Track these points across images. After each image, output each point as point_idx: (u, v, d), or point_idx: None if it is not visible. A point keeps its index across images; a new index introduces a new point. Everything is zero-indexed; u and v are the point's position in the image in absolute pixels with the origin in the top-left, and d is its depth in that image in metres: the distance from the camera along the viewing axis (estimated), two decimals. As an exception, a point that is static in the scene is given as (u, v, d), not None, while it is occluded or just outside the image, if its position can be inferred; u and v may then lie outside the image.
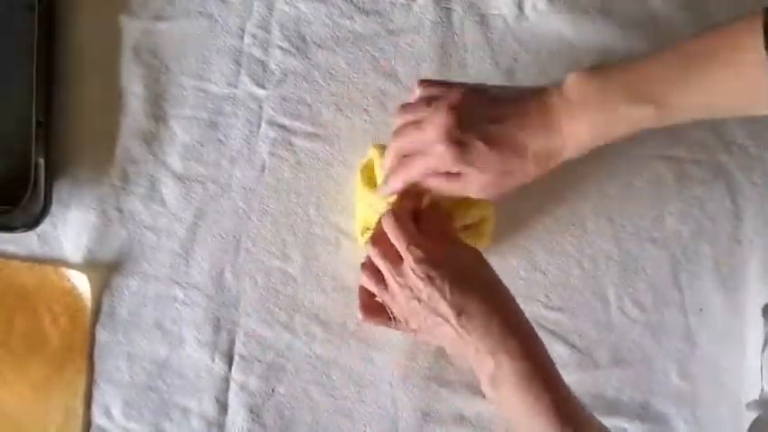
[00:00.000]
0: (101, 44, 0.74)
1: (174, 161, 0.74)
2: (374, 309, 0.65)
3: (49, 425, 0.73)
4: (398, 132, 0.64)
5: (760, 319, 0.71)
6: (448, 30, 0.74)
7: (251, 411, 0.73)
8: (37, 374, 0.73)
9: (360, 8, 0.74)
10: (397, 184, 0.64)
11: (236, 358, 0.73)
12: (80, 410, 0.73)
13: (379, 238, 0.63)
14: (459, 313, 0.59)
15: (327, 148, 0.74)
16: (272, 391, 0.73)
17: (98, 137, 0.74)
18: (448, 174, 0.62)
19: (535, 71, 0.73)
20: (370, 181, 0.69)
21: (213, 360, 0.73)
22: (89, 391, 0.73)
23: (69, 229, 0.74)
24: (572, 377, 0.72)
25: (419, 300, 0.60)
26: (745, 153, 0.73)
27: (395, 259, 0.62)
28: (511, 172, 0.61)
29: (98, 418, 0.73)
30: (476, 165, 0.60)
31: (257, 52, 0.74)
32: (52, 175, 0.72)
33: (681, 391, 0.72)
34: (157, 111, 0.74)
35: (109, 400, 0.73)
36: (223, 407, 0.73)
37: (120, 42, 0.74)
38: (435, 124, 0.60)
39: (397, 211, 0.63)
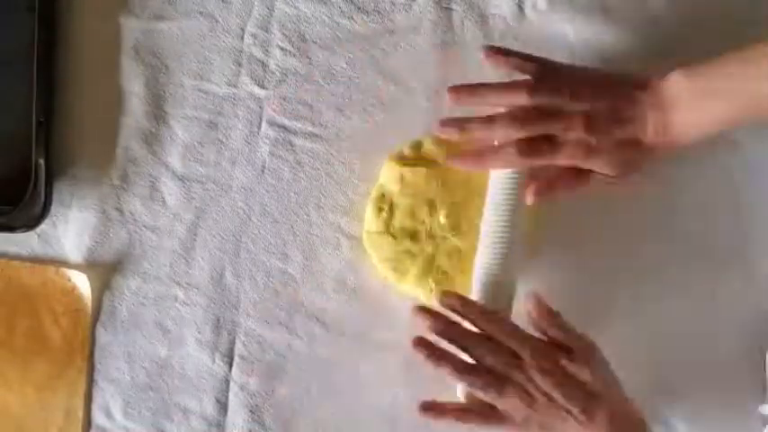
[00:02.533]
0: (101, 44, 0.74)
1: (174, 161, 0.74)
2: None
3: (49, 425, 0.73)
4: (536, 150, 0.65)
5: (761, 320, 0.71)
6: (448, 30, 0.74)
7: (251, 411, 0.73)
8: (38, 374, 0.73)
9: (360, 8, 0.74)
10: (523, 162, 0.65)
11: (237, 358, 0.73)
12: (80, 410, 0.73)
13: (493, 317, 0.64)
14: (592, 412, 0.60)
15: (327, 148, 0.74)
16: (272, 391, 0.73)
17: (98, 137, 0.74)
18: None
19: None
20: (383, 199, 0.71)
21: (213, 360, 0.73)
22: (89, 391, 0.73)
23: (70, 229, 0.74)
24: (572, 377, 0.72)
25: (548, 396, 0.60)
26: (745, 153, 0.73)
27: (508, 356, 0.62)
28: (629, 163, 0.65)
29: (98, 418, 0.74)
30: (603, 167, 0.65)
31: (257, 52, 0.74)
32: (52, 175, 0.72)
33: (681, 390, 0.72)
34: (157, 111, 0.74)
35: (109, 400, 0.74)
36: (223, 407, 0.73)
37: (120, 42, 0.74)
38: (573, 141, 0.64)
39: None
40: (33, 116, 0.70)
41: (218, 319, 0.73)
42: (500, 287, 0.67)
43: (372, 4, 0.74)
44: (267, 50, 0.74)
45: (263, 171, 0.74)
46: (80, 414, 0.73)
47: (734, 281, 0.72)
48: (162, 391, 0.74)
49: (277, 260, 0.73)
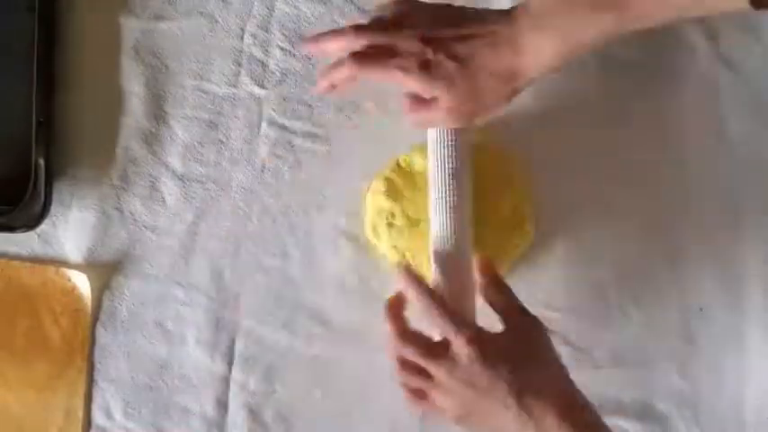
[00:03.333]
0: (101, 44, 0.74)
1: (174, 161, 0.74)
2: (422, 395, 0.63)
3: (49, 425, 0.73)
4: (370, 56, 0.61)
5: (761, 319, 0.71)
6: (448, 30, 0.73)
7: (251, 411, 0.73)
8: (38, 375, 0.73)
9: (360, 8, 0.74)
10: (344, 76, 0.63)
11: (237, 358, 0.73)
12: (80, 410, 0.73)
13: (408, 335, 0.62)
14: (519, 391, 0.57)
15: (327, 148, 0.74)
16: (272, 391, 0.73)
17: (98, 137, 0.74)
18: (419, 103, 0.63)
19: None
20: (390, 191, 0.70)
21: (213, 360, 0.73)
22: (89, 391, 0.73)
23: (70, 229, 0.74)
24: (572, 377, 0.72)
25: (474, 386, 0.58)
26: (746, 153, 0.73)
27: (434, 349, 0.60)
28: (480, 92, 0.61)
29: (98, 418, 0.74)
30: (445, 85, 0.60)
31: (257, 52, 0.74)
32: (52, 175, 0.72)
33: (681, 391, 0.72)
34: (157, 111, 0.74)
35: (109, 400, 0.74)
36: (223, 407, 0.73)
37: (120, 42, 0.74)
38: (407, 51, 0.60)
39: (429, 291, 0.62)
40: (33, 116, 0.70)
41: (218, 319, 0.73)
42: (451, 258, 0.65)
43: (372, 4, 0.74)
44: (267, 50, 0.74)
45: (262, 171, 0.74)
46: (80, 414, 0.73)
47: (730, 280, 0.72)
48: (162, 391, 0.74)
49: (277, 260, 0.73)
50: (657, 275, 0.73)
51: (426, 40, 0.60)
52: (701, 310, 0.72)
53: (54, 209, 0.73)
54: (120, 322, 0.74)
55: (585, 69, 0.72)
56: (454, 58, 0.60)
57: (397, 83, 0.61)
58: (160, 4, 0.74)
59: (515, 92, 0.62)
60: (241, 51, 0.74)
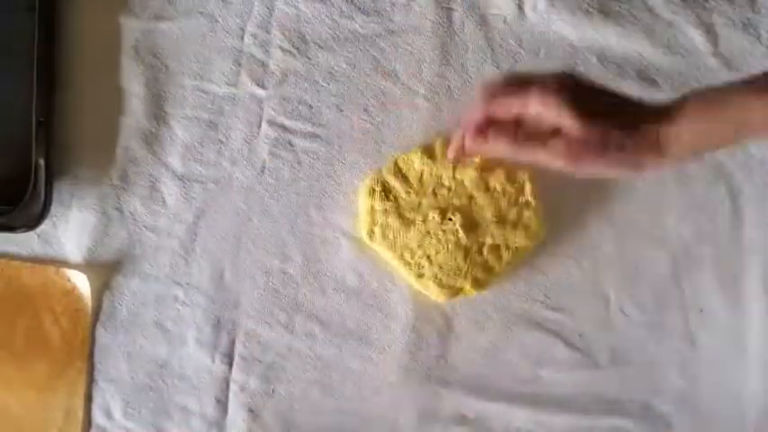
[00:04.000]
0: (101, 44, 0.74)
1: (174, 161, 0.74)
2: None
3: (49, 425, 0.73)
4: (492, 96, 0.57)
5: (761, 318, 0.71)
6: (448, 30, 0.74)
7: (251, 411, 0.73)
8: (38, 375, 0.73)
9: (360, 8, 0.74)
10: (477, 119, 0.58)
11: (237, 358, 0.73)
12: (80, 410, 0.73)
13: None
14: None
15: (327, 148, 0.74)
16: (272, 391, 0.73)
17: (98, 137, 0.74)
18: (535, 134, 0.56)
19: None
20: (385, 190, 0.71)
21: (213, 360, 0.73)
22: (89, 391, 0.73)
23: (70, 229, 0.74)
24: (572, 377, 0.72)
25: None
26: (745, 153, 0.73)
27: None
28: (613, 145, 0.55)
29: (98, 418, 0.74)
30: (584, 117, 0.54)
31: (257, 52, 0.74)
32: (52, 175, 0.72)
33: (681, 391, 0.72)
34: (157, 111, 0.74)
35: (109, 400, 0.74)
36: (223, 407, 0.73)
37: (120, 42, 0.74)
38: (547, 89, 0.55)
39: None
40: (33, 116, 0.70)
41: (218, 319, 0.73)
42: None
43: (372, 4, 0.74)
44: (267, 50, 0.74)
45: (262, 171, 0.74)
46: (80, 414, 0.73)
47: (730, 280, 0.72)
48: (162, 391, 0.74)
49: (277, 260, 0.73)
50: (657, 275, 0.73)
51: (568, 91, 0.56)
52: (701, 310, 0.73)
53: (54, 209, 0.73)
54: (120, 322, 0.74)
55: (587, 70, 0.72)
56: (601, 106, 0.56)
57: (531, 105, 0.56)
58: (160, 4, 0.74)
59: (643, 169, 0.56)
60: (241, 51, 0.74)
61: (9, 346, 0.73)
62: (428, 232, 0.70)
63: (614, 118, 0.55)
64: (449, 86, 0.73)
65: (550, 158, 0.56)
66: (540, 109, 0.55)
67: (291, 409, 0.73)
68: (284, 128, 0.74)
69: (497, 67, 0.73)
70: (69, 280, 0.73)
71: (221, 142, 0.74)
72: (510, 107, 0.56)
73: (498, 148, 0.57)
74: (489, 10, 0.74)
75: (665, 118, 0.55)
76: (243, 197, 0.74)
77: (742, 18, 0.72)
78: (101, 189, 0.74)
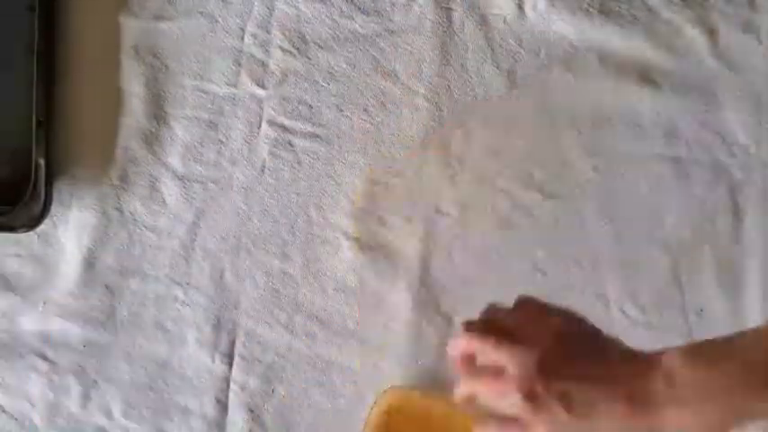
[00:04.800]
0: (101, 44, 0.74)
1: (174, 161, 0.74)
2: None
3: None
4: (473, 373, 0.53)
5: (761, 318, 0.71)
6: (448, 30, 0.74)
7: (251, 411, 0.73)
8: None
9: (360, 8, 0.74)
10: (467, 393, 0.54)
11: (237, 358, 0.73)
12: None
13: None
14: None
15: (327, 148, 0.74)
16: (272, 391, 0.73)
17: (98, 137, 0.74)
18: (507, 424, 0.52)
19: (535, 71, 0.73)
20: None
21: (213, 360, 0.73)
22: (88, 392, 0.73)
23: (69, 229, 0.74)
24: (572, 377, 0.72)
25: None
26: (745, 153, 0.73)
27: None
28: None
29: (98, 418, 0.74)
30: (546, 425, 0.50)
31: (257, 52, 0.74)
32: (52, 175, 0.72)
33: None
34: (157, 111, 0.74)
35: (109, 400, 0.74)
36: (223, 407, 0.73)
37: (120, 42, 0.74)
38: (517, 375, 0.51)
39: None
40: (33, 116, 0.70)
41: (218, 319, 0.73)
42: None
43: (372, 4, 0.74)
44: (267, 50, 0.74)
45: (262, 171, 0.74)
46: None
47: (730, 279, 0.72)
48: (161, 391, 0.74)
49: (277, 260, 0.73)
50: (658, 276, 0.73)
51: (540, 367, 0.50)
52: (701, 310, 0.73)
53: (54, 209, 0.73)
54: (120, 322, 0.74)
55: (588, 69, 0.72)
56: (566, 401, 0.50)
57: (503, 410, 0.52)
58: (160, 4, 0.74)
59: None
60: (241, 51, 0.74)
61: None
62: None
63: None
64: (449, 86, 0.73)
65: None
66: (512, 415, 0.51)
67: (291, 409, 0.73)
68: (284, 128, 0.74)
69: (497, 67, 0.73)
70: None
71: (221, 142, 0.74)
72: (488, 401, 0.52)
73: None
74: (489, 10, 0.74)
75: (653, 383, 0.50)
76: (243, 197, 0.74)
77: (742, 18, 0.72)
78: (101, 189, 0.74)
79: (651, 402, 0.49)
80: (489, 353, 0.52)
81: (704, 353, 0.51)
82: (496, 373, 0.51)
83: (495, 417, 0.52)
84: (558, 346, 0.52)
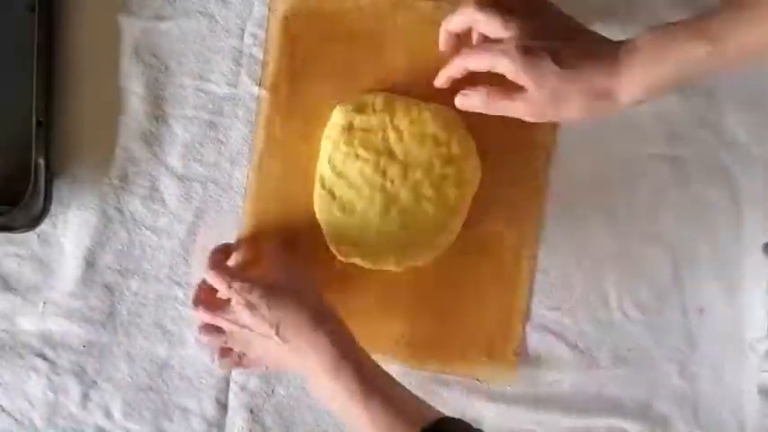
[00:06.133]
0: (101, 44, 0.74)
1: (174, 161, 0.74)
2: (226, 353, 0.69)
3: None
4: (476, 50, 0.63)
5: (760, 315, 0.71)
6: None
7: (251, 411, 0.73)
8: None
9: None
10: (455, 71, 0.64)
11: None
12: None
13: (203, 296, 0.69)
14: (277, 325, 0.63)
15: (327, 148, 0.74)
16: (272, 391, 0.73)
17: (98, 137, 0.74)
18: (505, 90, 0.61)
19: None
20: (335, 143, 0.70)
21: (213, 360, 0.73)
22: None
23: (69, 229, 0.74)
24: (572, 377, 0.72)
25: (249, 328, 0.65)
26: (746, 153, 0.73)
27: (222, 305, 0.67)
28: (565, 101, 0.60)
29: (98, 419, 0.74)
30: (539, 79, 0.59)
31: (257, 52, 0.74)
32: (52, 175, 0.72)
33: (681, 391, 0.72)
34: (157, 111, 0.74)
35: (109, 400, 0.74)
36: (223, 407, 0.73)
37: (120, 42, 0.74)
38: (512, 36, 0.60)
39: (214, 254, 0.70)
40: (33, 116, 0.70)
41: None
42: None
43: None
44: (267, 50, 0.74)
45: (263, 171, 0.74)
46: None
47: (730, 280, 0.72)
48: (161, 391, 0.74)
49: (277, 260, 0.73)
50: (658, 276, 0.73)
51: (536, 34, 0.60)
52: (701, 310, 0.73)
53: (54, 209, 0.73)
54: (120, 322, 0.74)
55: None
56: (557, 59, 0.59)
57: (496, 66, 0.60)
58: (160, 4, 0.74)
59: (598, 112, 0.61)
60: (241, 51, 0.74)
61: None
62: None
63: (572, 49, 0.59)
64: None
65: (517, 113, 0.62)
66: (505, 71, 0.60)
67: (291, 409, 0.73)
68: (284, 128, 0.74)
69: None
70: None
71: (221, 142, 0.74)
72: (480, 64, 0.61)
73: (473, 102, 0.63)
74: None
75: (621, 52, 0.59)
76: (243, 197, 0.74)
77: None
78: (101, 189, 0.74)
79: (615, 58, 0.59)
80: (490, 22, 0.60)
81: (670, 29, 0.59)
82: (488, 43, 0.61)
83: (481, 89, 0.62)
84: (549, 21, 0.61)
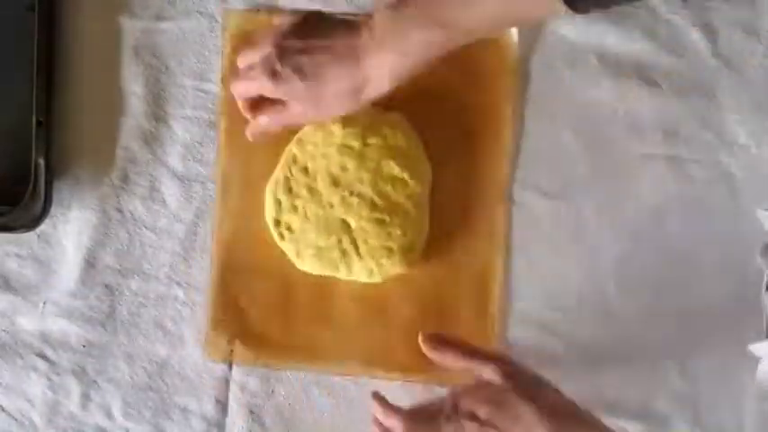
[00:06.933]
0: (101, 44, 0.74)
1: (174, 161, 0.74)
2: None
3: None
4: (238, 77, 0.68)
5: (759, 314, 0.71)
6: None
7: (251, 411, 0.73)
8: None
9: (360, 8, 0.74)
10: (236, 94, 0.68)
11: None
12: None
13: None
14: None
15: (327, 148, 0.74)
16: (272, 391, 0.73)
17: (98, 137, 0.74)
18: (277, 105, 0.66)
19: (535, 71, 0.73)
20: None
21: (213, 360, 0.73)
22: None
23: (69, 229, 0.74)
24: (572, 377, 0.72)
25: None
26: (746, 153, 0.73)
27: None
28: (324, 103, 0.64)
29: (98, 418, 0.74)
30: (291, 95, 0.65)
31: (257, 52, 0.74)
32: (52, 175, 0.72)
33: (681, 390, 0.72)
34: (157, 111, 0.74)
35: (109, 400, 0.74)
36: (223, 407, 0.73)
37: (120, 42, 0.74)
38: (261, 60, 0.65)
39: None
40: (33, 116, 0.70)
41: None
42: None
43: (373, 4, 0.74)
44: (267, 50, 0.74)
45: (262, 171, 0.74)
46: None
47: (730, 280, 0.72)
48: (161, 391, 0.74)
49: (277, 260, 0.73)
50: (657, 275, 0.73)
51: (279, 52, 0.64)
52: (701, 310, 0.73)
53: (54, 209, 0.73)
54: (120, 322, 0.74)
55: (588, 69, 0.72)
56: (300, 71, 0.63)
57: (256, 90, 0.66)
58: (160, 4, 0.74)
59: (360, 103, 0.65)
60: (241, 51, 0.74)
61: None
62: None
63: None
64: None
65: (292, 120, 0.67)
66: (263, 92, 0.66)
67: (291, 409, 0.73)
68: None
69: (497, 67, 0.73)
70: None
71: (221, 142, 0.74)
72: (249, 90, 0.67)
73: (262, 124, 0.68)
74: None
75: (361, 50, 0.62)
76: (243, 197, 0.74)
77: (742, 18, 0.72)
78: (101, 189, 0.74)
79: (359, 55, 0.62)
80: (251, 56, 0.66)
81: (394, 8, 0.62)
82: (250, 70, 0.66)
83: (255, 102, 0.67)
84: (292, 30, 0.65)
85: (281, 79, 0.63)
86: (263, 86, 0.65)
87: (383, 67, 0.62)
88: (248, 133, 0.69)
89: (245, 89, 0.67)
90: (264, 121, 0.67)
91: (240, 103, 0.68)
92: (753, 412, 0.72)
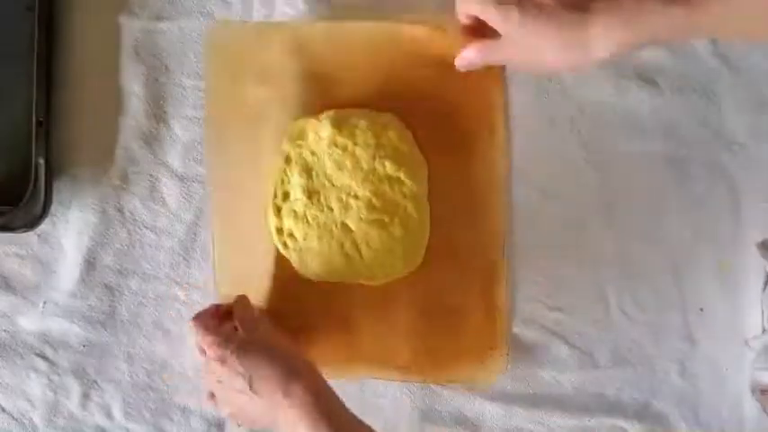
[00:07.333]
0: (101, 44, 0.74)
1: (174, 161, 0.74)
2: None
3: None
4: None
5: (757, 313, 0.71)
6: (448, 29, 0.74)
7: (251, 411, 0.73)
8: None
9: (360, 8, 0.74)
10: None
11: (237, 358, 0.73)
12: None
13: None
14: (250, 377, 0.62)
15: (327, 147, 0.74)
16: (272, 391, 0.73)
17: (98, 137, 0.74)
18: (488, 42, 0.64)
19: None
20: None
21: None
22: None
23: (69, 229, 0.74)
24: (572, 377, 0.72)
25: (222, 382, 0.64)
26: (746, 153, 0.73)
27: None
28: (536, 45, 0.61)
29: (98, 419, 0.74)
30: (518, 23, 0.61)
31: (257, 52, 0.74)
32: (52, 175, 0.72)
33: (681, 390, 0.72)
34: (157, 111, 0.74)
35: (109, 400, 0.74)
36: (223, 407, 0.73)
37: (120, 42, 0.74)
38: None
39: (200, 319, 0.68)
40: (33, 116, 0.70)
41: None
42: None
43: (370, 3, 0.74)
44: (267, 50, 0.74)
45: (263, 171, 0.74)
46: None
47: (729, 279, 0.72)
48: (161, 391, 0.74)
49: (277, 260, 0.73)
50: (657, 276, 0.73)
51: None
52: (701, 310, 0.73)
53: (54, 209, 0.73)
54: (120, 322, 0.74)
55: (588, 69, 0.72)
56: (523, 7, 0.60)
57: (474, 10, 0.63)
58: (160, 4, 0.74)
59: (572, 62, 0.61)
60: (241, 51, 0.74)
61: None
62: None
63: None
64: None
65: (504, 58, 0.65)
66: (478, 14, 0.63)
67: (291, 409, 0.73)
68: (284, 128, 0.74)
69: (497, 67, 0.73)
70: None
71: (221, 142, 0.74)
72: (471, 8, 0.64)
73: (469, 57, 0.66)
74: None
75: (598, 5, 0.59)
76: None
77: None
78: (101, 189, 0.74)
79: (590, 13, 0.59)
80: None
81: None
82: None
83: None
84: None
85: (501, 6, 0.61)
86: (477, 10, 0.63)
87: (614, 32, 0.59)
88: (457, 63, 0.67)
89: (471, 8, 0.64)
90: (472, 55, 0.65)
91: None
92: (752, 411, 0.72)
